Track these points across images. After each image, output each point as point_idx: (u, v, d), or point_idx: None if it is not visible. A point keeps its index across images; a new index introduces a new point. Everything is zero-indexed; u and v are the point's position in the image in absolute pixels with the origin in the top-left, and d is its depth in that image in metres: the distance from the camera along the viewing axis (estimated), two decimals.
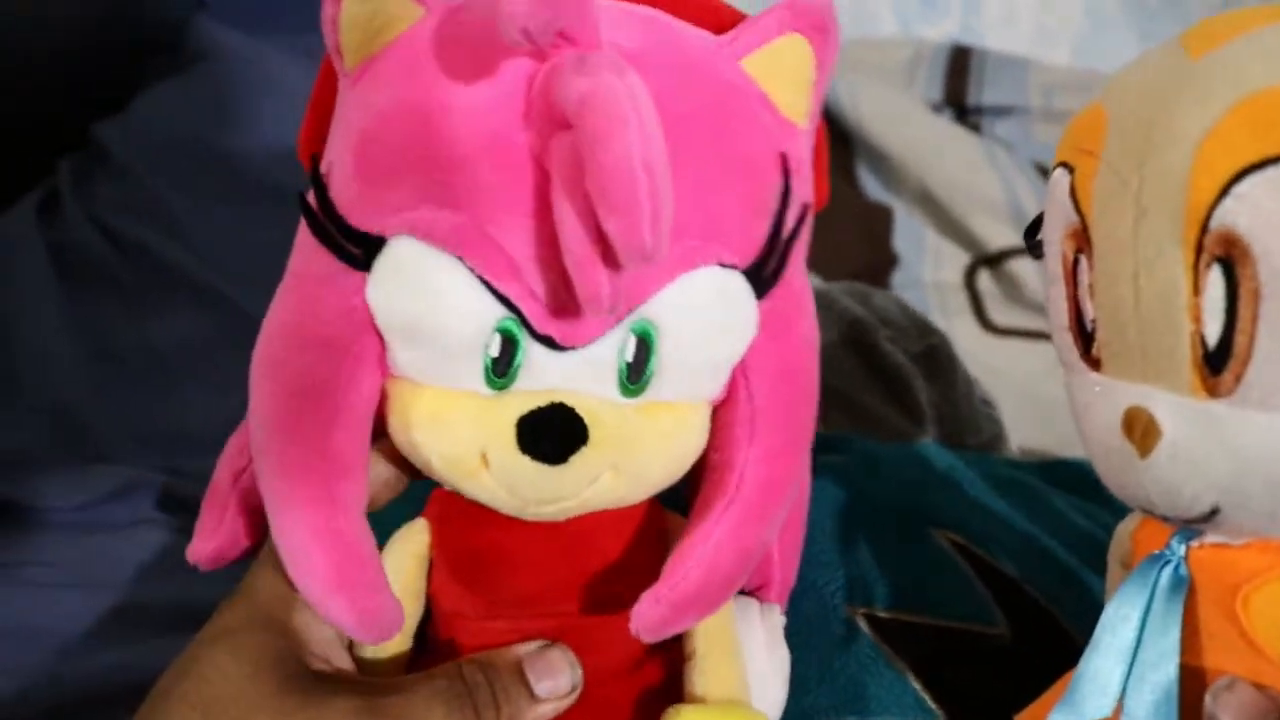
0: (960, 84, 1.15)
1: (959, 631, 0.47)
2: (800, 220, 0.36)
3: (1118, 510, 0.56)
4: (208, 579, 0.41)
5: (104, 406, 0.70)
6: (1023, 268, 0.97)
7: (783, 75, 0.37)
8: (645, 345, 0.35)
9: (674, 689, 0.38)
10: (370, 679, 0.38)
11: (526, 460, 0.34)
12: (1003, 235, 0.99)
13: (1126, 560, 0.38)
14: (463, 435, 0.35)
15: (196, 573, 0.40)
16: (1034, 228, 0.36)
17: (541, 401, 0.34)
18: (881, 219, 1.01)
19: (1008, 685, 0.45)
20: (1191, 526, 0.33)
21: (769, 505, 0.37)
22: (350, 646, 0.38)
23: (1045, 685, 0.46)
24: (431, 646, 0.39)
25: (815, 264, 0.85)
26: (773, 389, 0.37)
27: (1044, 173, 1.04)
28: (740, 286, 0.35)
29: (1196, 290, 0.30)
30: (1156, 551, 0.34)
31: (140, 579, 0.56)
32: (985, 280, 0.98)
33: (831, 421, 0.61)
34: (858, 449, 0.54)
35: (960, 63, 1.17)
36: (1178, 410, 0.31)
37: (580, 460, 0.34)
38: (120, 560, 0.56)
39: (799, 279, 0.38)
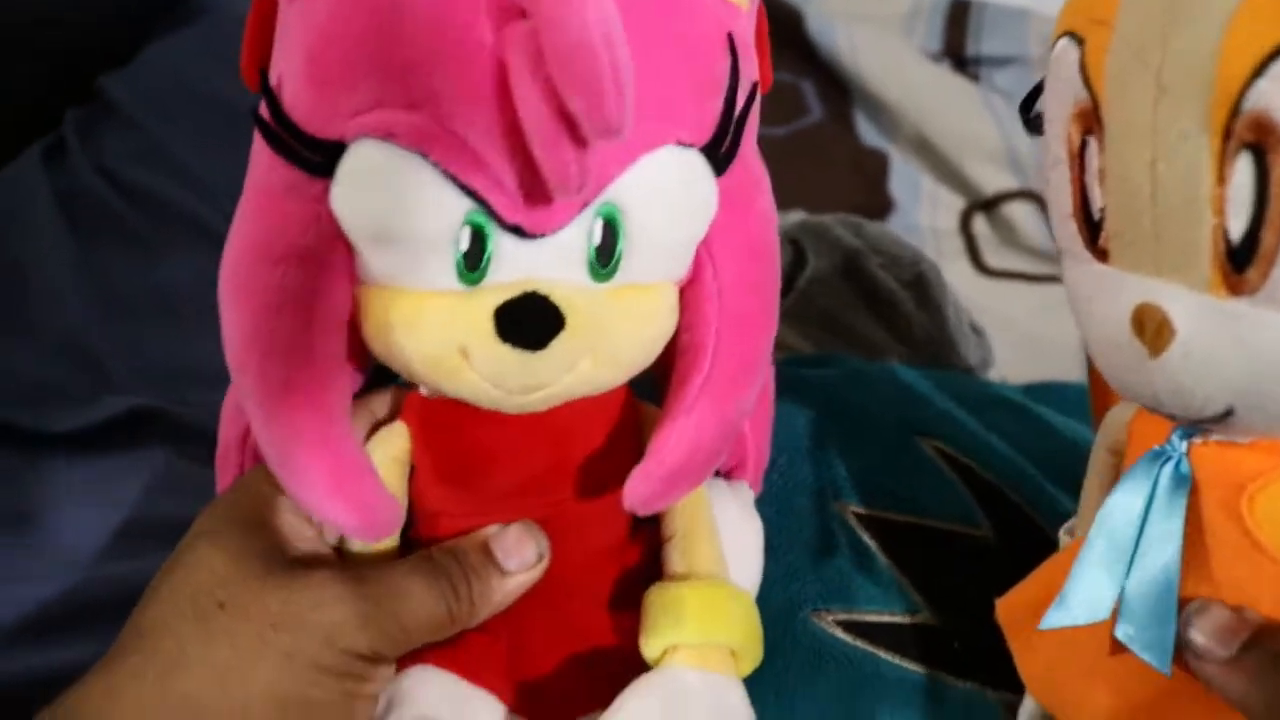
0: (959, 35, 1.15)
1: (944, 531, 0.48)
2: (750, 99, 0.37)
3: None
4: (213, 497, 0.42)
5: (114, 344, 0.71)
6: (1017, 212, 0.98)
7: None
8: (612, 228, 0.35)
9: (655, 570, 0.40)
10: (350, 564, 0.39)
11: (506, 349, 0.35)
12: (998, 180, 1.00)
13: (1117, 448, 0.37)
14: (442, 333, 0.35)
15: (201, 492, 0.41)
16: (1031, 99, 0.34)
17: (516, 292, 0.35)
18: (878, 165, 1.02)
19: (992, 584, 0.46)
20: (1195, 425, 0.32)
21: (742, 378, 0.39)
22: (337, 548, 0.39)
23: None
24: (415, 548, 0.40)
25: (812, 207, 0.87)
26: (736, 265, 0.38)
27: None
28: (699, 165, 0.36)
29: (1221, 180, 0.28)
30: (1157, 447, 0.33)
31: (148, 498, 0.57)
32: (980, 224, 0.99)
33: (822, 343, 0.62)
34: (847, 365, 0.55)
35: (959, 14, 1.17)
36: (1194, 308, 0.29)
37: (559, 346, 0.35)
38: (129, 481, 0.58)
39: (753, 158, 0.39)
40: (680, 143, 0.35)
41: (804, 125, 1.05)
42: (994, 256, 0.96)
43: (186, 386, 0.67)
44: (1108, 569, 0.33)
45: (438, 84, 0.33)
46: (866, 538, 0.47)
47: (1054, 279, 0.95)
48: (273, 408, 0.35)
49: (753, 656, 0.39)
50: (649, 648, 0.38)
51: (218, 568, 0.37)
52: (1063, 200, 0.32)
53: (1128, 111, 0.29)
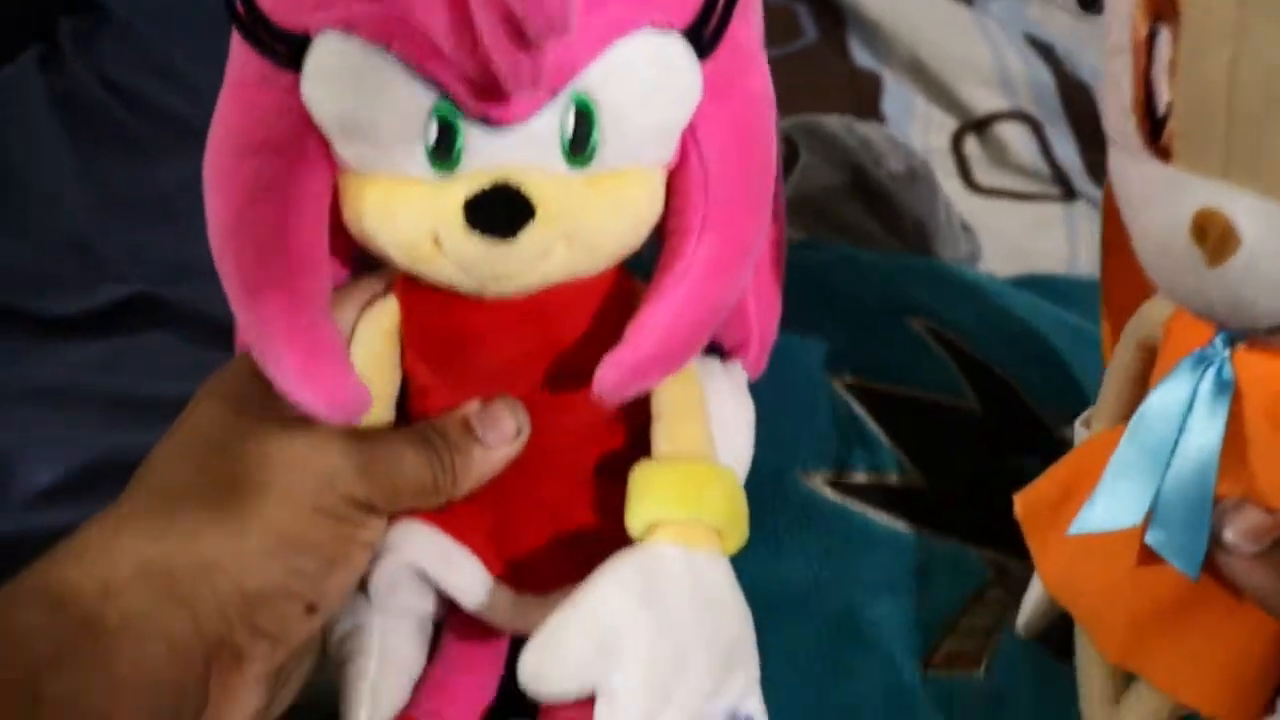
0: None
1: (933, 403, 0.49)
2: None
3: (1089, 315, 0.58)
4: None
5: (112, 240, 0.71)
6: (1009, 132, 0.98)
7: None
8: (585, 116, 0.35)
9: (642, 451, 0.40)
10: None
11: (476, 238, 0.35)
12: (990, 100, 1.00)
13: (1149, 344, 0.36)
14: (412, 221, 0.36)
15: (205, 373, 0.41)
16: None
17: (487, 182, 0.35)
18: (871, 86, 1.02)
19: (977, 451, 0.48)
20: (1243, 331, 0.31)
21: (728, 267, 0.38)
22: None
23: (1014, 456, 0.49)
24: (410, 420, 0.41)
25: None
26: (724, 150, 0.38)
27: (1034, 44, 1.05)
28: (678, 49, 0.36)
29: None
30: (1199, 350, 0.32)
31: (151, 380, 0.58)
32: (972, 145, 0.99)
33: (815, 234, 0.63)
34: (839, 250, 0.56)
35: None
36: (1265, 216, 0.27)
37: (529, 235, 0.35)
38: (132, 361, 0.59)
39: (747, 36, 0.38)
40: (655, 25, 0.35)
41: (798, 48, 1.05)
42: (985, 175, 0.96)
43: (186, 279, 0.67)
44: (1143, 474, 0.32)
45: None
46: (856, 405, 0.48)
47: (1044, 198, 0.95)
48: (249, 295, 0.36)
49: (737, 536, 0.39)
50: (633, 524, 0.38)
51: (220, 417, 0.38)
52: (1121, 91, 0.30)
53: (1210, 4, 0.27)
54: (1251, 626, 0.34)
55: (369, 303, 0.41)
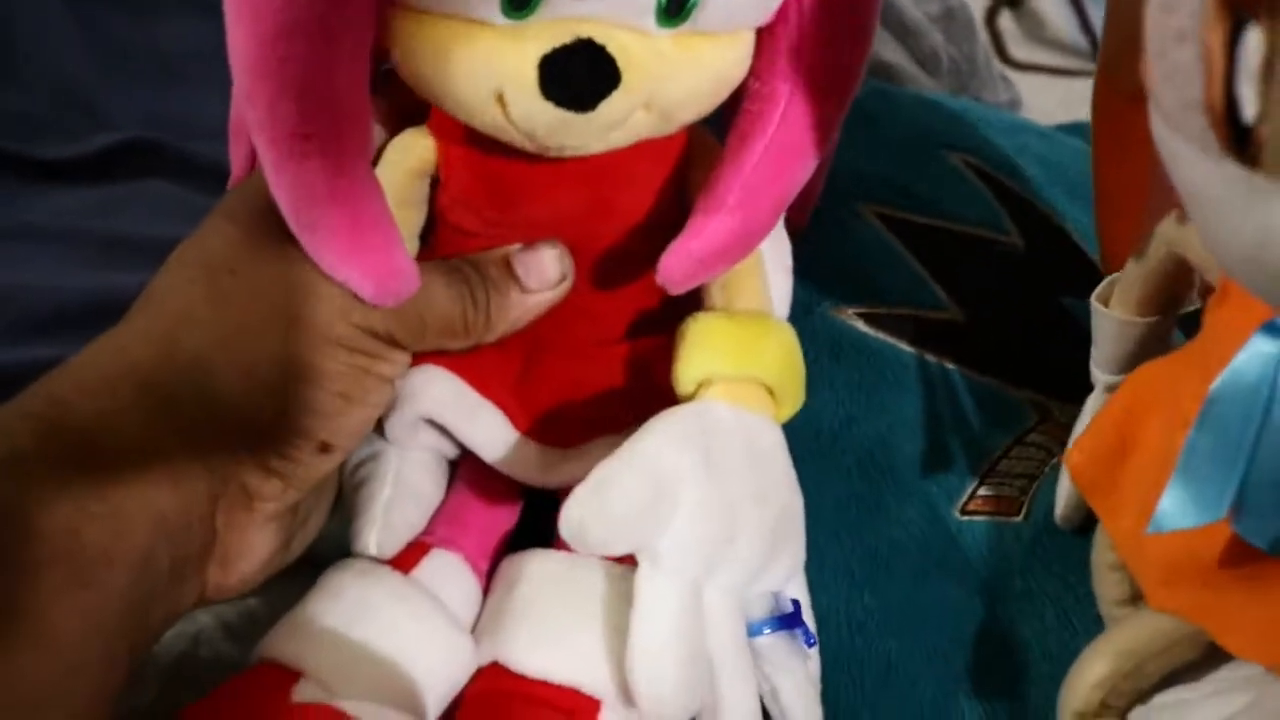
0: None
1: (972, 236, 0.46)
2: None
3: None
4: None
5: (111, 93, 0.69)
6: (1044, 5, 0.95)
7: None
8: None
9: (689, 308, 0.36)
10: None
11: (550, 106, 0.31)
12: None
13: (1176, 249, 0.34)
14: (476, 74, 0.31)
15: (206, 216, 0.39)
16: None
17: (567, 37, 0.30)
18: None
19: (1019, 287, 0.45)
20: None
21: (812, 141, 0.34)
22: None
23: (1056, 291, 0.46)
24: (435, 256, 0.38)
25: None
26: (823, 17, 0.34)
27: None
28: None
29: None
30: (1270, 320, 0.29)
31: (150, 223, 0.55)
32: (1006, 19, 0.96)
33: None
34: (875, 87, 0.53)
35: None
36: None
37: (609, 105, 0.31)
38: (129, 206, 0.56)
39: None
40: None
41: None
42: (1020, 49, 0.93)
43: (185, 135, 0.65)
44: (1224, 462, 0.29)
45: None
46: (890, 236, 0.45)
47: (1079, 73, 0.92)
48: (284, 151, 0.31)
49: (793, 399, 0.36)
50: (683, 380, 0.35)
51: (232, 237, 0.35)
52: (1188, 85, 0.25)
53: None
54: None
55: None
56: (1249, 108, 0.24)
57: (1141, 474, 0.34)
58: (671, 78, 0.32)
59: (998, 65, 0.67)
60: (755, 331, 0.35)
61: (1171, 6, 0.24)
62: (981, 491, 0.42)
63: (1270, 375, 0.28)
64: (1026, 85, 0.91)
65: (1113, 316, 0.36)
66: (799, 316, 0.42)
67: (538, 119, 0.31)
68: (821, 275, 0.44)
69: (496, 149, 0.34)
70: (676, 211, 0.36)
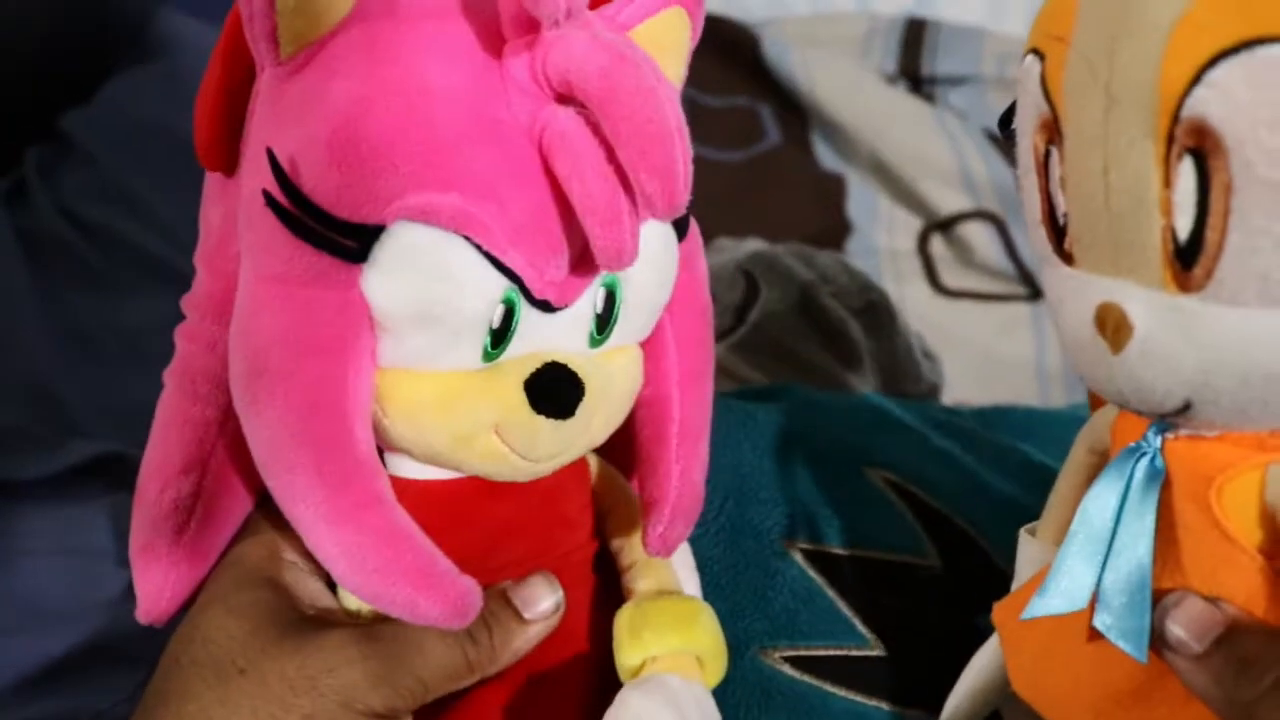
0: (915, 55, 1.17)
1: (891, 562, 0.49)
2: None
3: (1050, 451, 0.58)
4: None
5: (76, 383, 0.71)
6: (973, 232, 0.99)
7: (667, 45, 0.38)
8: (612, 296, 0.38)
9: (605, 606, 0.41)
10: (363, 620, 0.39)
11: (541, 420, 0.36)
12: (954, 200, 1.01)
13: (1098, 447, 0.38)
14: (475, 411, 0.36)
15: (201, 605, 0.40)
16: (1008, 116, 0.36)
17: (536, 364, 0.36)
18: (835, 187, 1.03)
19: (938, 612, 0.48)
20: (1165, 420, 0.33)
21: (705, 422, 0.42)
22: (337, 592, 0.40)
23: (974, 613, 0.49)
24: None
25: (771, 231, 0.88)
26: (686, 320, 0.41)
27: (994, 140, 1.06)
28: (670, 232, 0.39)
29: (1167, 183, 0.29)
30: (1133, 443, 0.34)
31: (119, 547, 0.57)
32: (938, 245, 1.00)
33: (775, 374, 0.63)
34: (798, 396, 0.57)
35: (915, 35, 1.19)
36: (1149, 305, 0.30)
37: (581, 411, 0.37)
38: (96, 529, 0.58)
39: (692, 222, 0.41)
40: None
41: (762, 150, 1.06)
42: (951, 276, 0.98)
43: (149, 426, 0.67)
44: (1086, 560, 0.34)
45: (475, 165, 0.34)
46: (813, 573, 0.48)
47: (1010, 298, 0.96)
48: (331, 509, 0.34)
49: (719, 667, 0.41)
50: (630, 657, 0.39)
51: (235, 633, 0.38)
52: (1033, 207, 0.34)
53: (1082, 121, 0.31)
54: (1209, 713, 0.33)
55: None
56: (1061, 212, 0.33)
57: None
58: (610, 383, 0.39)
59: (920, 344, 0.70)
60: (690, 609, 0.41)
61: (1021, 151, 0.34)
62: None
63: (1123, 487, 0.34)
64: (959, 313, 0.95)
65: (1038, 544, 0.40)
66: (730, 661, 0.44)
67: (531, 434, 0.37)
68: (749, 618, 0.46)
69: (464, 503, 0.39)
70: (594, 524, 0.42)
